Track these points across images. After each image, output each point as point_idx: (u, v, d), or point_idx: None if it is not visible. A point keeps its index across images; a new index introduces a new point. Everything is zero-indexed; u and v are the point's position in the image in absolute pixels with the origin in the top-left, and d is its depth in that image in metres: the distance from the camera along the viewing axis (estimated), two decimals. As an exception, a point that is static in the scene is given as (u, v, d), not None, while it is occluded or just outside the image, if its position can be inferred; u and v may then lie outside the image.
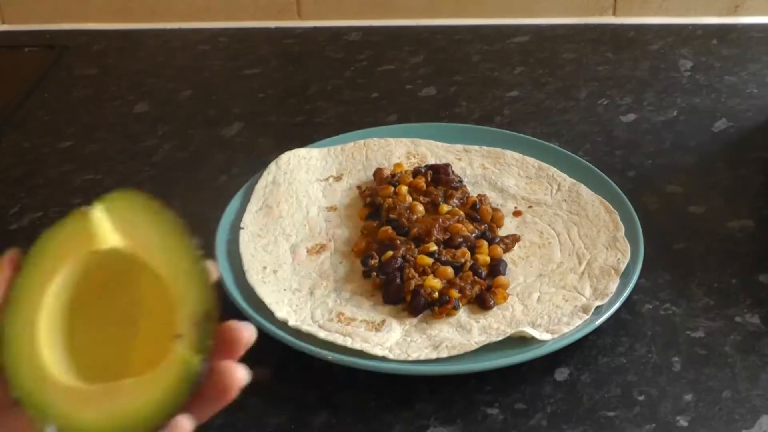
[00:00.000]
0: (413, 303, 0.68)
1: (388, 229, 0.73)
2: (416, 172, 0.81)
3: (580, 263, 0.72)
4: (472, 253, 0.72)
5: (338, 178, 0.83)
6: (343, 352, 0.63)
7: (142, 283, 0.37)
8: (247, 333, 0.37)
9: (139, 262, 0.37)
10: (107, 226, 0.37)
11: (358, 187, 0.81)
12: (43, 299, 0.36)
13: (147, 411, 0.35)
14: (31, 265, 0.36)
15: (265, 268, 0.72)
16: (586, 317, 0.66)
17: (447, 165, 0.81)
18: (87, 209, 0.37)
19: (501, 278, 0.70)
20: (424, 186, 0.79)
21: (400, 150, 0.86)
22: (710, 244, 0.77)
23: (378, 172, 0.81)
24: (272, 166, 0.82)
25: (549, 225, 0.77)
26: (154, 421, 0.34)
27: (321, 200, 0.80)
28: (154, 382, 0.35)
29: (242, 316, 0.65)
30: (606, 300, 0.67)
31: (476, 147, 0.86)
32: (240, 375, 0.36)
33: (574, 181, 0.81)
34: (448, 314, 0.67)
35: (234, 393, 0.36)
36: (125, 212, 0.38)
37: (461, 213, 0.76)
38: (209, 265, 0.37)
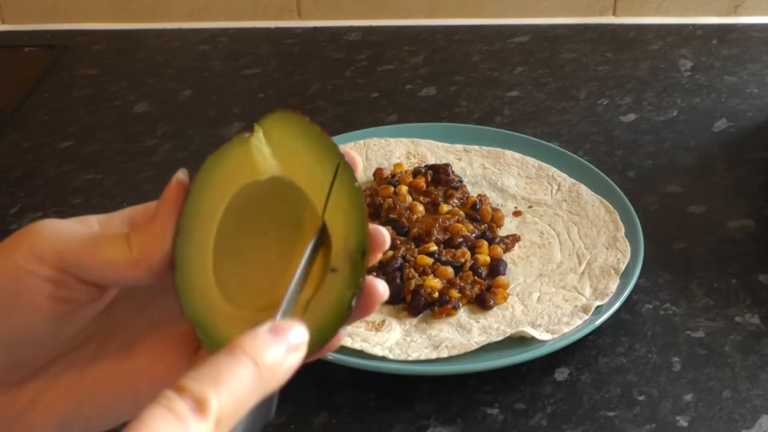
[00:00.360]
0: (413, 303, 0.68)
1: (388, 228, 0.73)
2: (416, 172, 0.81)
3: (580, 263, 0.72)
4: (472, 253, 0.72)
5: (338, 178, 0.83)
6: (343, 352, 0.63)
7: (298, 208, 0.38)
8: (381, 235, 0.38)
9: (298, 189, 0.38)
10: (267, 152, 0.38)
11: (358, 187, 0.81)
12: (211, 228, 0.37)
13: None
14: (197, 194, 0.37)
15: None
16: (586, 317, 0.66)
17: (447, 165, 0.81)
18: (247, 135, 0.38)
19: (501, 278, 0.70)
20: (424, 186, 0.79)
21: (400, 150, 0.86)
22: (710, 244, 0.77)
23: (378, 172, 0.81)
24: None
25: (549, 225, 0.77)
26: (312, 349, 0.36)
27: (321, 200, 0.80)
28: (310, 316, 0.37)
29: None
30: (606, 300, 0.67)
31: (476, 147, 0.86)
32: (382, 290, 0.38)
33: (574, 181, 0.81)
34: (448, 314, 0.67)
35: (375, 308, 0.38)
36: (284, 137, 0.38)
37: (461, 213, 0.76)
38: (352, 156, 0.37)
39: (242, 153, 0.38)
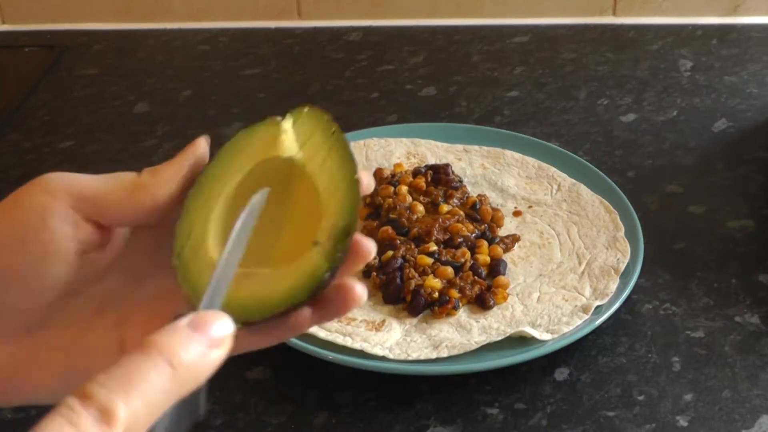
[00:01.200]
0: (413, 303, 0.68)
1: (388, 229, 0.73)
2: (416, 172, 0.81)
3: (580, 263, 0.72)
4: (472, 253, 0.72)
5: (338, 178, 0.83)
6: (343, 352, 0.63)
7: (301, 190, 0.41)
8: (369, 246, 0.39)
9: (306, 173, 0.41)
10: (291, 136, 0.42)
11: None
12: (225, 189, 0.40)
13: (273, 299, 0.38)
14: (221, 158, 0.41)
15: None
16: (586, 317, 0.66)
17: (447, 165, 0.81)
18: (279, 119, 0.42)
19: (501, 278, 0.70)
20: (424, 186, 0.79)
21: (400, 150, 0.86)
22: (710, 244, 0.77)
23: (378, 172, 0.81)
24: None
25: (549, 225, 0.77)
26: (278, 308, 0.38)
27: (321, 200, 0.80)
28: (284, 277, 0.39)
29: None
30: (606, 300, 0.67)
31: (476, 147, 0.86)
32: (359, 292, 0.38)
33: (574, 181, 0.81)
34: (448, 314, 0.67)
35: (351, 308, 0.39)
36: (308, 126, 0.42)
37: (461, 213, 0.76)
38: (363, 175, 0.40)
39: (270, 132, 0.42)
